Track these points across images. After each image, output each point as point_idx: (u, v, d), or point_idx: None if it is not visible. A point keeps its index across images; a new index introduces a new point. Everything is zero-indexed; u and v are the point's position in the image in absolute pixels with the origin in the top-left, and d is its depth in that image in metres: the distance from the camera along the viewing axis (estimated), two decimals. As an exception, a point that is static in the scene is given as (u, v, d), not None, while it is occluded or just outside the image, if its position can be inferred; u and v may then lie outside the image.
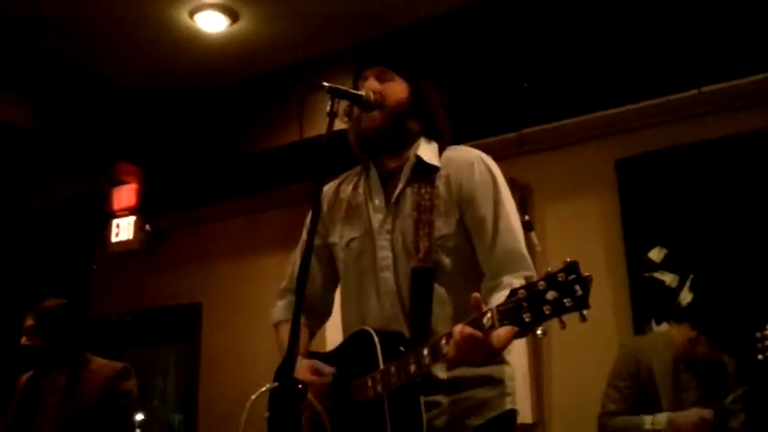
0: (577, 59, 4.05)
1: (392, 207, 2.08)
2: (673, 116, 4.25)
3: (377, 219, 2.09)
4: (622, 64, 4.05)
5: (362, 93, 2.06)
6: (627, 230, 4.29)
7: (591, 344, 3.82)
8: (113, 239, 5.85)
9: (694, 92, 4.14)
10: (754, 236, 3.94)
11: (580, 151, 4.54)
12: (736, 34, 3.76)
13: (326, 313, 2.31)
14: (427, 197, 2.02)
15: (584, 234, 4.41)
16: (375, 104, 2.07)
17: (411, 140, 2.14)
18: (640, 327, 4.10)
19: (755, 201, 3.98)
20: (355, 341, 2.02)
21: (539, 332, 1.53)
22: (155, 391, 6.16)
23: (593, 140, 4.50)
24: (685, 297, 4.05)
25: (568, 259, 1.51)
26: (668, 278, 4.12)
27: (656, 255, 4.18)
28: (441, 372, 1.92)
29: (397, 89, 2.13)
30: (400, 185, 2.09)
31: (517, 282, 1.77)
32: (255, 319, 4.97)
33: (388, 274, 2.03)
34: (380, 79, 2.13)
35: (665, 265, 4.15)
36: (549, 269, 1.53)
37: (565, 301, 1.48)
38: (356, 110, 2.09)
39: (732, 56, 3.93)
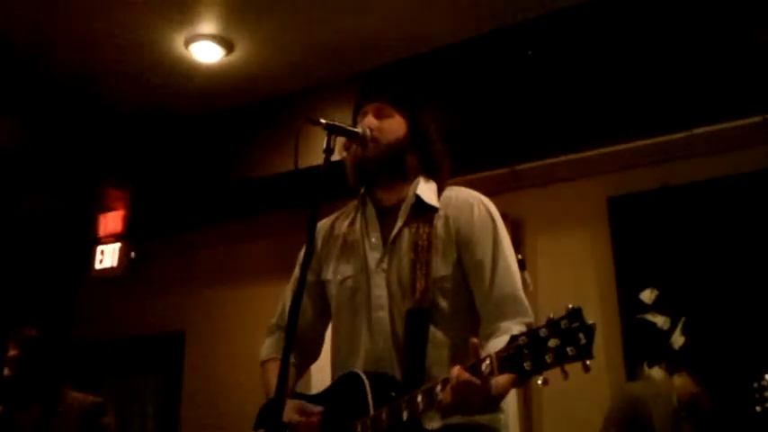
0: (571, 98, 4.06)
1: (389, 246, 2.05)
2: (664, 156, 4.27)
3: (373, 257, 2.06)
4: (615, 103, 4.07)
5: (359, 130, 2.04)
6: (619, 270, 4.28)
7: (581, 386, 3.75)
8: (97, 266, 5.78)
9: (685, 133, 4.16)
10: (747, 278, 3.93)
11: (573, 188, 4.55)
12: (728, 77, 3.79)
13: (316, 352, 2.26)
14: (425, 237, 1.99)
15: (576, 272, 4.40)
16: (372, 140, 2.05)
17: (409, 176, 2.11)
18: (632, 369, 4.06)
19: (748, 242, 3.98)
20: (344, 384, 1.96)
21: (539, 381, 1.49)
22: (133, 423, 6.04)
23: (585, 178, 4.51)
24: (677, 340, 4.02)
25: (571, 305, 1.47)
26: (660, 320, 4.10)
27: (647, 296, 4.16)
28: (434, 421, 1.86)
29: (396, 126, 2.10)
30: (398, 224, 2.06)
31: (516, 328, 1.73)
32: (241, 350, 4.90)
33: (382, 314, 1.99)
34: (379, 115, 2.10)
35: (656, 307, 4.13)
36: (551, 315, 1.49)
37: (568, 349, 1.44)
38: (354, 144, 2.07)
39: (723, 98, 3.97)
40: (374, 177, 2.09)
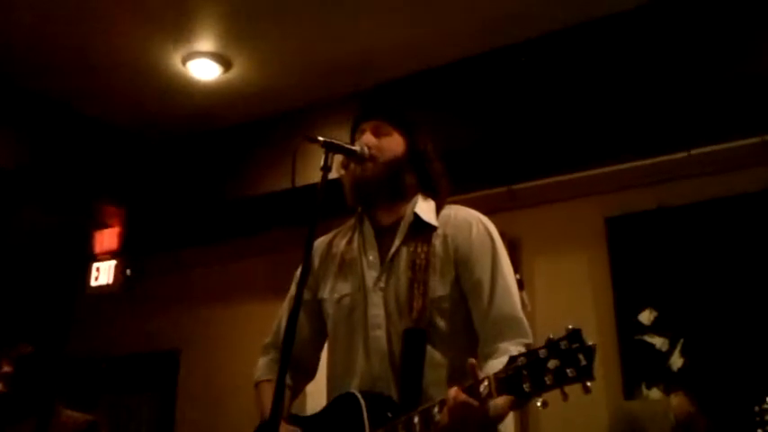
0: (569, 117, 4.07)
1: (387, 264, 2.03)
2: (663, 177, 4.28)
3: (370, 275, 2.04)
4: (613, 123, 4.09)
5: (357, 148, 2.03)
6: (617, 291, 4.27)
7: (580, 406, 3.73)
8: (92, 283, 5.77)
9: (684, 154, 4.16)
10: (746, 299, 3.91)
11: (570, 208, 4.54)
12: (726, 97, 3.80)
13: (312, 372, 2.23)
14: (423, 256, 1.98)
15: (574, 293, 4.39)
16: (369, 158, 2.04)
17: (407, 195, 2.10)
18: (630, 390, 4.04)
19: (747, 263, 3.97)
20: (340, 404, 1.94)
21: (538, 403, 1.47)
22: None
23: (583, 198, 4.51)
24: (676, 362, 4.00)
25: (571, 326, 1.46)
26: (658, 341, 4.08)
27: (646, 317, 4.15)
28: None
29: (394, 144, 2.10)
30: (396, 243, 2.04)
31: (515, 349, 1.72)
32: (237, 369, 4.84)
33: (379, 333, 1.97)
34: (377, 134, 2.10)
35: (655, 328, 4.11)
36: (551, 336, 1.48)
37: (568, 370, 1.43)
38: (352, 163, 2.07)
39: (721, 119, 3.98)
40: (373, 197, 2.08)
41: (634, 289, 4.22)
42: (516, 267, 4.39)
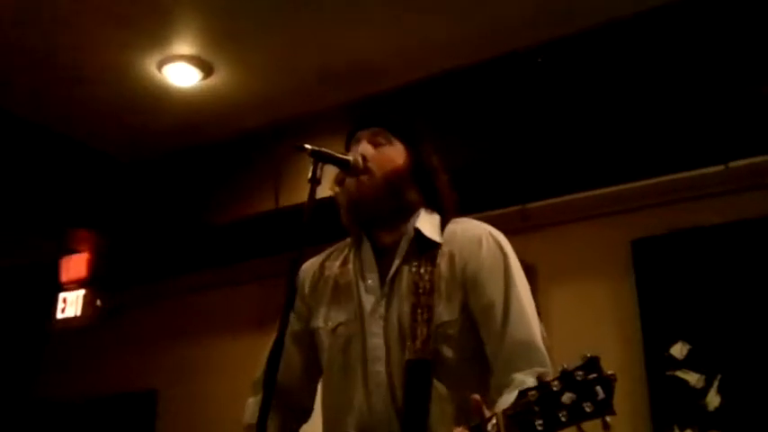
0: (590, 126, 4.09)
1: (386, 288, 2.03)
2: (697, 193, 4.26)
3: (368, 301, 2.04)
4: (640, 133, 4.09)
5: (350, 157, 2.04)
6: (645, 322, 4.25)
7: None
8: (59, 315, 5.76)
9: (721, 167, 4.17)
10: (791, 331, 3.90)
11: (591, 230, 4.53)
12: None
13: (308, 408, 2.23)
14: (427, 277, 1.98)
15: (596, 324, 4.37)
16: (365, 171, 2.04)
17: (409, 212, 2.10)
18: (661, 432, 4.02)
19: (793, 291, 3.96)
20: None
21: (552, 444, 1.47)
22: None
23: (606, 218, 4.50)
24: (712, 401, 3.98)
25: (588, 354, 1.46)
26: (693, 378, 4.06)
27: (678, 350, 4.13)
28: None
29: (394, 154, 2.11)
30: (396, 263, 2.04)
31: (531, 380, 1.72)
32: (220, 411, 4.84)
33: (379, 367, 1.98)
34: (375, 143, 2.11)
35: (688, 363, 4.09)
36: (565, 366, 1.48)
37: (584, 405, 1.43)
38: (347, 178, 2.07)
39: (763, 128, 3.96)
40: (371, 216, 2.08)
41: (665, 319, 4.20)
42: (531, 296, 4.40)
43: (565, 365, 1.48)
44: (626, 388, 4.10)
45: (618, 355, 4.23)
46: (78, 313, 5.70)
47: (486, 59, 4.34)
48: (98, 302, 5.71)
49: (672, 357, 4.14)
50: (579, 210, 4.53)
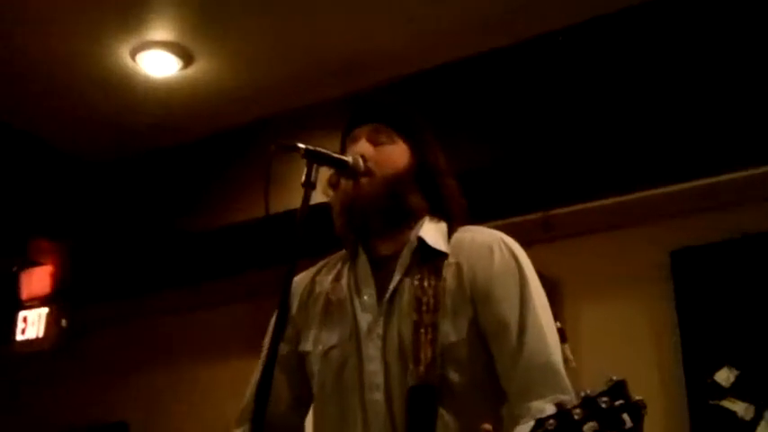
0: (623, 121, 4.09)
1: (385, 305, 2.04)
2: (744, 197, 4.26)
3: (365, 320, 2.05)
4: (682, 129, 4.09)
5: (348, 158, 2.05)
6: (685, 344, 4.25)
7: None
8: (18, 336, 5.76)
9: (769, 168, 4.18)
10: None
11: (624, 240, 4.53)
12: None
13: None
14: (431, 292, 1.99)
15: (630, 347, 4.36)
16: (365, 173, 2.06)
17: (412, 219, 2.12)
18: (704, 470, 4.03)
19: None
20: None
21: (574, 480, 1.48)
22: None
23: (641, 226, 4.50)
24: (763, 433, 4.00)
25: (614, 377, 1.48)
26: (740, 408, 4.07)
27: (724, 377, 4.14)
28: None
29: (396, 154, 2.13)
30: (397, 276, 2.06)
31: (549, 408, 1.73)
32: (200, 448, 4.88)
33: (377, 396, 1.99)
34: (374, 141, 2.12)
35: (735, 391, 4.09)
36: (587, 391, 1.49)
37: (609, 435, 1.44)
38: (342, 180, 2.08)
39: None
40: (369, 223, 2.10)
41: (708, 341, 4.20)
42: (556, 315, 4.39)
43: (587, 391, 1.49)
44: (662, 419, 4.15)
45: (654, 382, 4.24)
46: (41, 334, 5.70)
47: (501, 46, 4.36)
48: (63, 322, 5.72)
49: (716, 384, 4.14)
50: (610, 217, 4.53)
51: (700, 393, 4.16)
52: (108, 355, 5.93)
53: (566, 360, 2.06)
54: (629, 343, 4.38)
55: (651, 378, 4.25)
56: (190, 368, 5.65)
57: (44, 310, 5.73)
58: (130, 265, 5.56)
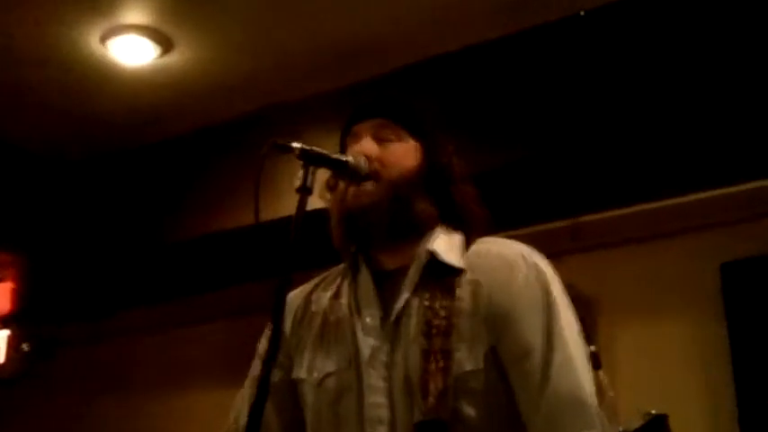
0: (663, 116, 4.09)
1: (390, 328, 2.04)
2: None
3: (367, 345, 2.04)
4: (730, 124, 4.10)
5: (349, 158, 2.05)
6: (738, 367, 4.27)
7: None
8: (-25, 363, 5.79)
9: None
10: None
11: (666, 250, 4.55)
12: None
13: None
14: (443, 314, 1.97)
15: (675, 371, 4.38)
16: (369, 175, 2.06)
17: (422, 229, 2.11)
18: (758, 504, 4.04)
19: None
20: None
21: None
22: None
23: (686, 235, 4.52)
24: (826, 463, 4.01)
25: (653, 411, 1.47)
26: (799, 434, 4.09)
27: (781, 401, 4.16)
28: None
29: (404, 153, 2.12)
30: (404, 295, 2.05)
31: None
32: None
33: (381, 430, 1.98)
34: (379, 138, 2.12)
35: (794, 416, 4.11)
36: (620, 429, 1.49)
37: (647, 477, 1.44)
38: (341, 182, 2.09)
39: None
40: (371, 233, 2.09)
41: (764, 365, 4.22)
42: (588, 337, 4.39)
43: (620, 429, 1.49)
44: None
45: (702, 413, 4.26)
46: (1, 359, 5.73)
47: (520, 30, 4.38)
48: (24, 346, 5.74)
49: (773, 410, 4.16)
50: (649, 224, 4.54)
51: (753, 422, 4.18)
52: (79, 381, 5.98)
53: (599, 390, 2.05)
54: (673, 368, 4.40)
55: (698, 409, 4.28)
56: (167, 393, 5.68)
57: (4, 333, 5.76)
58: (102, 281, 5.58)
